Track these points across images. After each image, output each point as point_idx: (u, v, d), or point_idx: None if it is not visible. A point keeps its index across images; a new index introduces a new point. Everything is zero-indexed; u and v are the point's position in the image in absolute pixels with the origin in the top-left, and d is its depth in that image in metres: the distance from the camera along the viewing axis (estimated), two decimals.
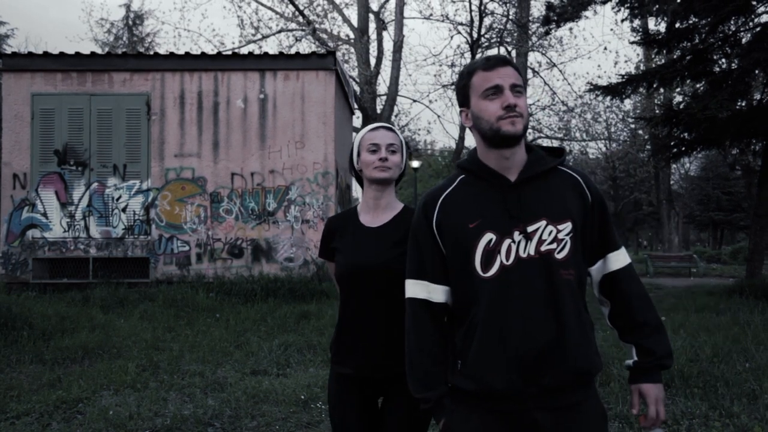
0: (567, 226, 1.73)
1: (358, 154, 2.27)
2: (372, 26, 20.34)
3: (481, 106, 1.75)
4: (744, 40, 11.91)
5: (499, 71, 1.74)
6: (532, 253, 1.70)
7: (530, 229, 1.71)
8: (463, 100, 1.83)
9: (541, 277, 1.69)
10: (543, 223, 1.71)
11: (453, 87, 22.47)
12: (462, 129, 22.02)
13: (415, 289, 1.85)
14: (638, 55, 24.94)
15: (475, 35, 21.20)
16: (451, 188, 1.84)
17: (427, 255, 1.83)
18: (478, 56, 21.91)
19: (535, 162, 1.80)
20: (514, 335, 1.67)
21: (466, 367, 1.73)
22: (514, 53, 23.30)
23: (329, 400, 2.26)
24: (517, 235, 1.70)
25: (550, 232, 1.71)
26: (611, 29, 30.31)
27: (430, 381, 1.79)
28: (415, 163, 25.95)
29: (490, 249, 1.71)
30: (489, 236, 1.71)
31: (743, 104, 12.42)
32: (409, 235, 1.90)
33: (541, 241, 1.71)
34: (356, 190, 23.70)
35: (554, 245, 1.71)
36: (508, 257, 1.70)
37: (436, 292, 1.82)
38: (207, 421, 4.23)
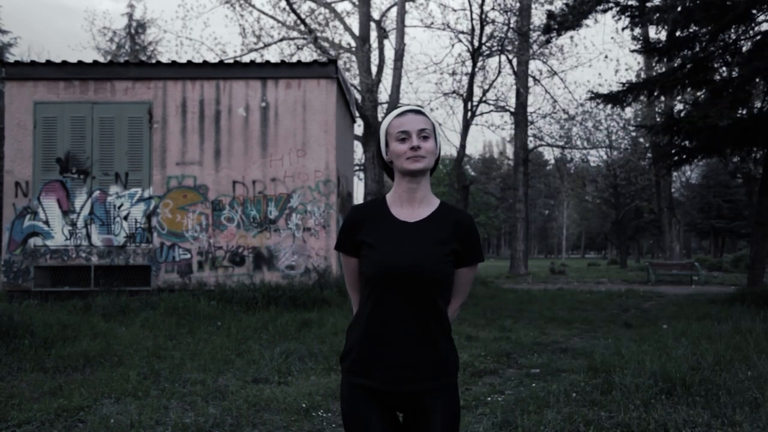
0: None
1: (387, 144, 2.01)
2: (373, 35, 20.42)
3: None
4: (744, 49, 11.96)
5: None
6: None
7: None
8: None
9: None
10: None
11: (454, 95, 22.54)
12: (464, 137, 22.04)
13: None
14: (639, 63, 25.06)
15: (476, 43, 21.28)
16: None
17: None
18: (479, 64, 21.97)
19: None
20: None
21: None
22: (515, 61, 23.39)
23: (345, 415, 1.98)
24: None
25: None
26: (612, 37, 30.64)
27: None
28: None
29: None
30: None
31: (744, 112, 12.45)
32: None
33: None
34: (358, 199, 23.72)
35: None
36: None
37: None
38: (208, 429, 4.23)
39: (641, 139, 28.70)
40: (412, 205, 1.99)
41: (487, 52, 22.15)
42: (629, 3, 13.28)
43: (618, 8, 13.32)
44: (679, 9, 11.44)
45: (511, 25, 21.66)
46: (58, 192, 10.80)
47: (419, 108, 2.00)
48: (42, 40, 73.56)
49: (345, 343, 2.04)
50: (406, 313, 1.90)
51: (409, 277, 1.88)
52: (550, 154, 33.65)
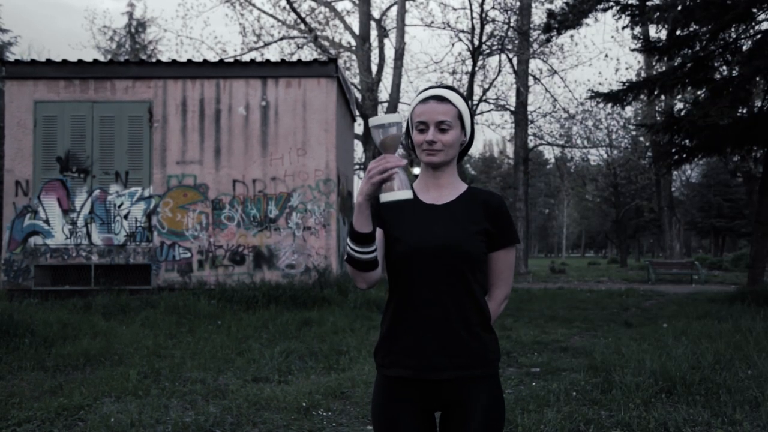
0: None
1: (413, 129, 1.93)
2: (373, 33, 20.43)
3: None
4: (744, 48, 11.96)
5: None
6: None
7: None
8: None
9: None
10: None
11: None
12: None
13: None
14: (639, 62, 25.03)
15: (476, 42, 21.27)
16: None
17: None
18: (479, 63, 21.97)
19: None
20: None
21: None
22: (515, 60, 23.39)
23: (374, 409, 1.88)
24: None
25: None
26: (612, 36, 30.71)
27: None
28: (417, 170, 26.01)
29: None
30: None
31: (744, 111, 12.45)
32: None
33: None
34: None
35: None
36: None
37: None
38: (208, 428, 4.23)
39: (641, 138, 28.70)
40: (439, 190, 1.93)
41: (488, 51, 22.16)
42: (629, 2, 13.27)
43: (618, 7, 13.31)
44: (679, 8, 11.43)
45: (512, 24, 21.66)
46: (59, 191, 10.80)
47: (443, 94, 1.87)
48: (42, 39, 73.61)
49: (378, 337, 1.94)
50: (438, 295, 1.80)
51: (439, 255, 1.80)
52: (550, 153, 33.68)
